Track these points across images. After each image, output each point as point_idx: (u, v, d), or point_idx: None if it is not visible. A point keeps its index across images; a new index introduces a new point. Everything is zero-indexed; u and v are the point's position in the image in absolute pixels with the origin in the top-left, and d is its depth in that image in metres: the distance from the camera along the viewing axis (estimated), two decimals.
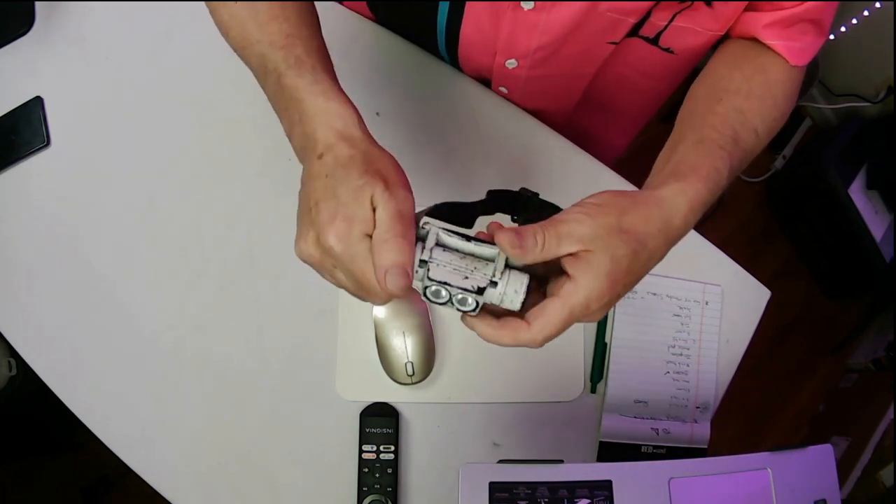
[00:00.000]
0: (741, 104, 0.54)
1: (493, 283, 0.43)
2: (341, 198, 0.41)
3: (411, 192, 0.43)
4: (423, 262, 0.43)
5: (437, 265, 0.43)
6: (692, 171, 0.47)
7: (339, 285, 0.45)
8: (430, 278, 0.43)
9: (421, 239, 0.44)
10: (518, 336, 0.43)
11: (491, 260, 0.44)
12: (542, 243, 0.41)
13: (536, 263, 0.43)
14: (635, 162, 0.75)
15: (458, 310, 0.45)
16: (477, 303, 0.44)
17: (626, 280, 0.44)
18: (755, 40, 0.58)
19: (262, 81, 0.50)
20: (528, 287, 0.43)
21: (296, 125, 0.46)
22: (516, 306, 0.43)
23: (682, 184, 0.46)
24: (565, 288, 0.42)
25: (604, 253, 0.42)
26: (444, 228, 0.45)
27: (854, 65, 1.55)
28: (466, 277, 0.43)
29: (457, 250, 0.44)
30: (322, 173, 0.43)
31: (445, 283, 0.43)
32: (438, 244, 0.44)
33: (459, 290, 0.43)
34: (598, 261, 0.42)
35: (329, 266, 0.43)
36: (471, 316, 0.45)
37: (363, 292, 0.43)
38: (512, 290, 0.43)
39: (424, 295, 0.44)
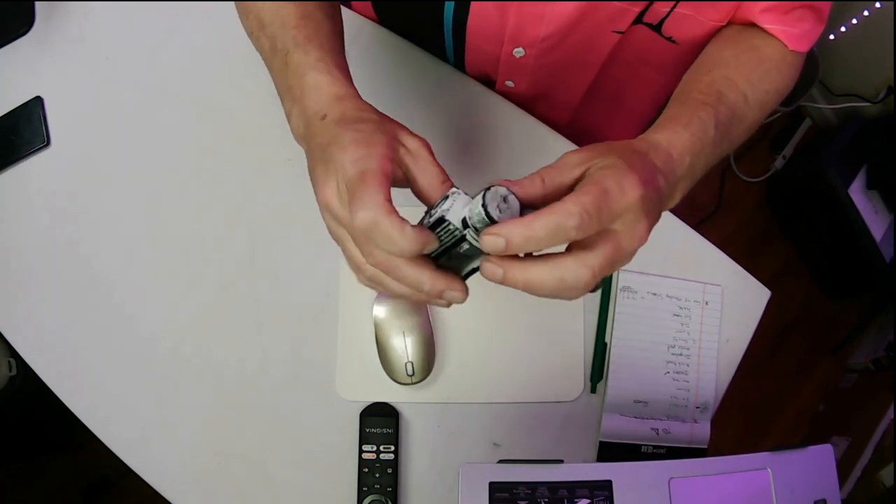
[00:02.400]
0: (729, 73, 0.54)
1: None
2: (352, 141, 0.42)
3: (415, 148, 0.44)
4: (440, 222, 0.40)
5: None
6: (671, 119, 0.48)
7: (340, 238, 0.44)
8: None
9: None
10: (554, 216, 0.37)
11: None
12: (542, 177, 0.40)
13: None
14: None
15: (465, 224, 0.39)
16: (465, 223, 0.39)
17: (647, 178, 0.40)
18: (753, 25, 0.59)
19: (270, 64, 0.51)
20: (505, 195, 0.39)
21: (297, 102, 0.47)
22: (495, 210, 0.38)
23: (661, 129, 0.47)
24: (593, 177, 0.39)
25: (608, 155, 0.41)
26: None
27: (854, 65, 1.55)
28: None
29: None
30: (329, 126, 0.43)
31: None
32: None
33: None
34: (606, 160, 0.40)
35: (345, 201, 0.41)
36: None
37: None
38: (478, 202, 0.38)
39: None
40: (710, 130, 0.48)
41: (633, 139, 0.47)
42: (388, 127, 0.44)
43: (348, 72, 0.49)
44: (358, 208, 0.38)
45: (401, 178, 0.43)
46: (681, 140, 0.46)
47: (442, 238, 0.40)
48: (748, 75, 0.55)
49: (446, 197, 0.40)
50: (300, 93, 0.46)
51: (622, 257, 0.40)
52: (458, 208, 0.39)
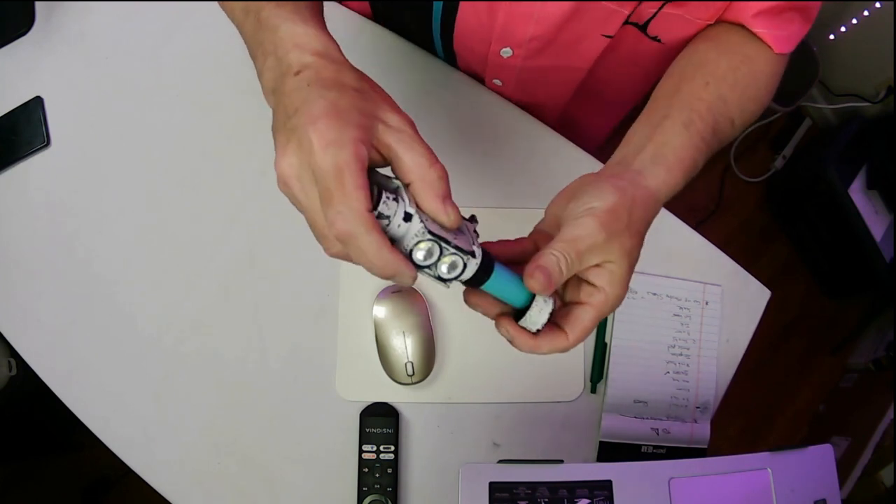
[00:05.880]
0: (726, 93, 0.55)
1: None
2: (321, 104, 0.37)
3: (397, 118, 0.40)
4: (408, 216, 0.37)
5: (430, 220, 0.38)
6: (678, 161, 0.50)
7: (306, 210, 0.39)
8: (430, 232, 0.37)
9: (391, 190, 0.38)
10: (556, 345, 0.45)
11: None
12: (566, 269, 0.43)
13: None
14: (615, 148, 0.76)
15: (441, 278, 0.39)
16: (464, 265, 0.38)
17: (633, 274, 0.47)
18: (740, 26, 0.59)
19: (242, 26, 0.46)
20: (552, 313, 0.44)
21: (269, 56, 0.41)
22: (538, 326, 0.44)
23: (668, 176, 0.49)
24: (595, 298, 0.45)
25: (622, 261, 0.45)
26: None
27: (854, 65, 1.55)
28: (456, 237, 0.38)
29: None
30: (301, 86, 0.38)
31: (441, 239, 0.37)
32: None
33: (454, 252, 0.38)
34: (618, 270, 0.45)
35: (307, 179, 0.37)
36: (510, 328, 0.45)
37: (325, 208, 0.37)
38: (536, 311, 0.44)
39: (410, 254, 0.38)
40: (697, 171, 0.52)
41: (644, 189, 0.48)
42: (368, 98, 0.39)
43: (327, 28, 0.44)
44: (335, 215, 0.36)
45: (378, 160, 0.39)
46: (677, 188, 0.50)
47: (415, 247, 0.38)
48: (742, 99, 0.56)
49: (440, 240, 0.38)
50: (272, 47, 0.41)
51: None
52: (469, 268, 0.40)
